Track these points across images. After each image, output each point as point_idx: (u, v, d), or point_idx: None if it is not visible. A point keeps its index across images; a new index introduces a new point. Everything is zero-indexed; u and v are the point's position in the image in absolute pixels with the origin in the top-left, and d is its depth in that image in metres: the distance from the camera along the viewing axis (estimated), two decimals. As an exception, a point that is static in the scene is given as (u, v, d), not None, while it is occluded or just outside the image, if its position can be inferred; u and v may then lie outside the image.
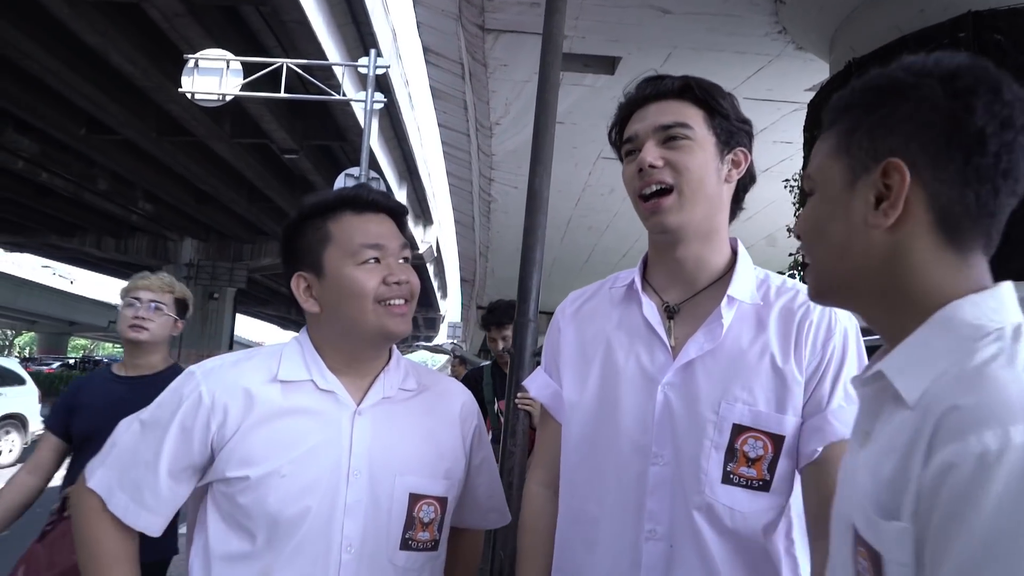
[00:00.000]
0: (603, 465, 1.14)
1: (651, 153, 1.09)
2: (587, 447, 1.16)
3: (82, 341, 66.82)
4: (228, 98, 10.62)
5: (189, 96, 10.78)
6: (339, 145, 20.65)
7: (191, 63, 10.73)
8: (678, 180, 1.09)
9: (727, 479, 1.05)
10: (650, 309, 1.15)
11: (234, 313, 31.61)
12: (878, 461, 0.65)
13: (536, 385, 1.29)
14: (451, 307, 64.87)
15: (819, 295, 0.80)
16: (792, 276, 6.94)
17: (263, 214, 25.82)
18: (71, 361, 31.51)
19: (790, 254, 6.77)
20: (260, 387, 1.12)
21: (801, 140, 7.41)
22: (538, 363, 1.38)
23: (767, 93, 9.40)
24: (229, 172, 22.05)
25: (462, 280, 35.10)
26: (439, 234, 35.52)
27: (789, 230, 6.80)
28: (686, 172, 1.09)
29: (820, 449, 1.03)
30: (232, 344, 32.14)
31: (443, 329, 64.18)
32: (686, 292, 1.16)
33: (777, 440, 1.05)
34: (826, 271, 0.75)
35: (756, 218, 15.22)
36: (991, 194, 0.67)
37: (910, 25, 5.36)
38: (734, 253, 1.19)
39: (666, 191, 1.10)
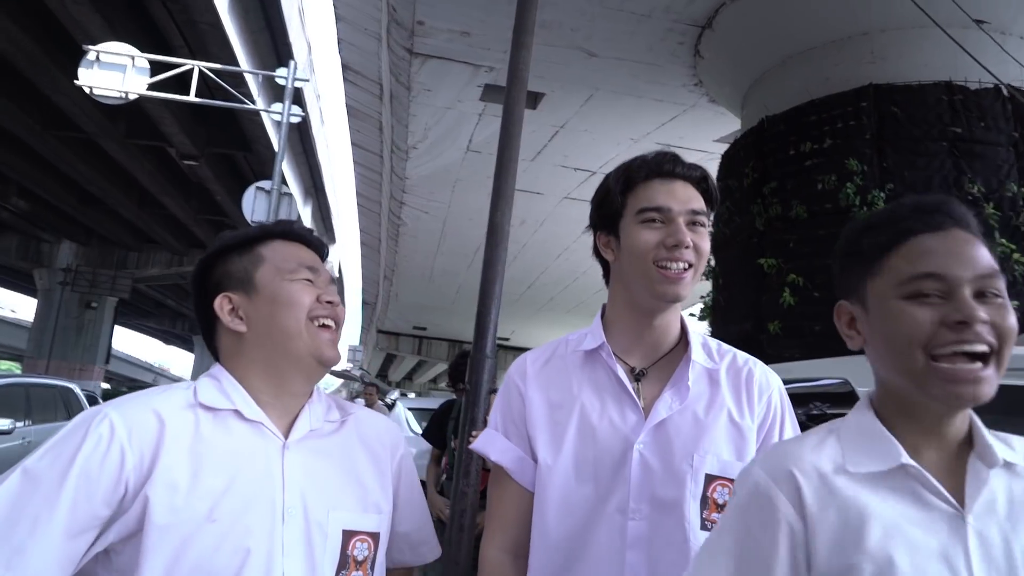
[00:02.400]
0: (582, 524, 1.17)
1: (688, 235, 1.18)
2: (566, 508, 1.19)
3: (-72, 346, 60.19)
4: (132, 97, 9.96)
5: (88, 91, 10.02)
6: (243, 155, 19.84)
7: (91, 55, 9.99)
8: (697, 261, 1.19)
9: (704, 526, 1.13)
10: (622, 373, 1.22)
11: (113, 324, 29.43)
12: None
13: (496, 449, 1.26)
14: (349, 330, 63.33)
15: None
16: (703, 318, 7.23)
17: (154, 221, 24.32)
18: None
19: (701, 297, 7.05)
20: (178, 415, 1.01)
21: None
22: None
23: (679, 140, 9.85)
24: (119, 174, 20.65)
25: (364, 303, 34.37)
26: (342, 254, 34.73)
27: (704, 275, 7.06)
28: (703, 255, 1.20)
29: None
30: (109, 357, 29.84)
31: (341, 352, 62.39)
32: (651, 357, 1.25)
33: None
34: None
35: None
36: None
37: (817, 90, 5.77)
38: (683, 324, 1.29)
39: (688, 269, 1.19)
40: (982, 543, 0.78)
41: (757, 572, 0.81)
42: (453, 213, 14.33)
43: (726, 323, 6.19)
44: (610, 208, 1.26)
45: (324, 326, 1.10)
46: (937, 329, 0.79)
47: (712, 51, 7.12)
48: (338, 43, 10.84)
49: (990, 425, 0.87)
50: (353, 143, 14.23)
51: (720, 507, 1.15)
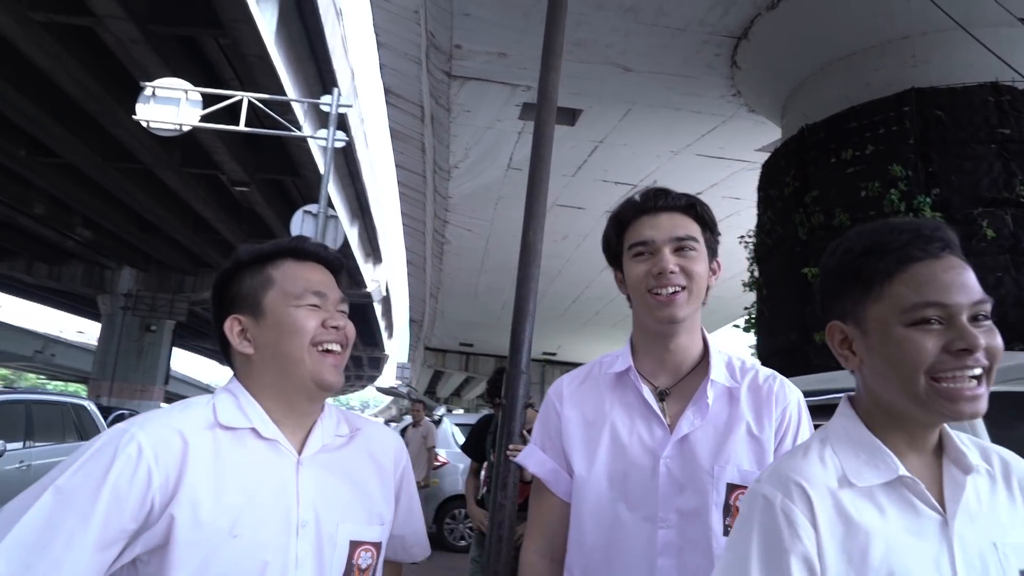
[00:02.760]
0: (615, 531, 1.27)
1: (670, 261, 1.28)
2: (599, 516, 1.29)
3: (3, 371, 63.19)
4: (186, 128, 10.42)
5: (145, 124, 10.51)
6: (291, 180, 20.43)
7: (148, 91, 10.50)
8: (689, 283, 1.29)
9: (726, 532, 1.21)
10: (648, 393, 1.32)
11: (172, 347, 30.45)
12: (1009, 516, 0.87)
13: (534, 462, 1.39)
14: (397, 347, 64.01)
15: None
16: (747, 330, 7.15)
17: (208, 246, 25.17)
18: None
19: (745, 308, 6.97)
20: (200, 435, 1.07)
21: (750, 197, 7.70)
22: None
23: (719, 151, 9.78)
24: (175, 202, 21.50)
25: (411, 320, 34.78)
26: (389, 273, 35.26)
27: (744, 284, 7.02)
28: (696, 277, 1.29)
29: None
30: (168, 379, 30.85)
31: (388, 369, 63.20)
32: (673, 377, 1.35)
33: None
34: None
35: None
36: None
37: (858, 97, 5.69)
38: (704, 342, 1.38)
39: (679, 291, 1.28)
40: (963, 546, 0.85)
41: None
42: (496, 230, 14.47)
43: (772, 334, 6.11)
44: (612, 249, 1.39)
45: (328, 351, 1.14)
46: (940, 355, 0.83)
47: (749, 61, 7.08)
48: (380, 68, 11.13)
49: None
50: (397, 164, 14.52)
51: None
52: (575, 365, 1.46)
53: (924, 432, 0.89)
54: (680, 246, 1.29)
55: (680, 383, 1.34)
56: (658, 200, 1.33)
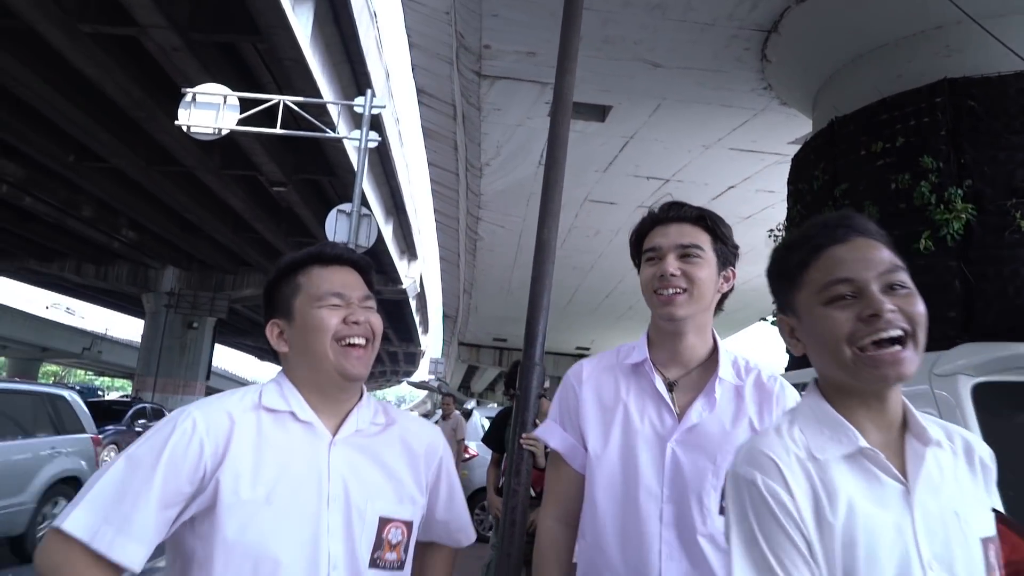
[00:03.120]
0: (625, 504, 1.42)
1: (672, 266, 1.43)
2: (611, 490, 1.44)
3: (53, 367, 65.46)
4: (224, 132, 10.74)
5: (185, 129, 10.88)
6: (328, 180, 20.81)
7: (188, 96, 10.85)
8: (690, 287, 1.42)
9: (722, 511, 1.34)
10: (660, 383, 1.46)
11: (213, 343, 31.25)
12: (968, 489, 0.97)
13: (556, 437, 1.54)
14: (432, 342, 64.63)
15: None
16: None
17: (247, 245, 25.78)
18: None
19: (773, 302, 6.92)
20: (245, 415, 1.22)
21: (784, 190, 7.65)
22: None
23: (751, 144, 9.72)
24: (215, 202, 22.09)
25: (444, 316, 35.12)
26: (423, 269, 35.62)
27: (773, 278, 6.97)
28: (697, 281, 1.43)
29: None
30: (210, 374, 31.67)
31: (423, 364, 63.80)
32: (682, 370, 1.49)
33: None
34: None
35: (738, 265, 15.56)
36: None
37: (889, 88, 5.63)
38: (714, 342, 1.52)
39: (679, 293, 1.42)
40: (924, 514, 0.92)
41: (789, 559, 0.88)
42: (528, 226, 14.55)
43: (801, 328, 6.09)
44: (634, 255, 1.55)
45: (351, 345, 1.26)
46: (855, 324, 0.93)
47: (779, 55, 7.04)
48: (412, 69, 11.30)
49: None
50: (429, 163, 14.71)
51: None
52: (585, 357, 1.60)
53: (881, 405, 0.97)
54: (685, 253, 1.44)
55: (688, 376, 1.48)
56: (670, 212, 1.50)
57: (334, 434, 1.27)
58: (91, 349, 45.92)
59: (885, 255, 0.97)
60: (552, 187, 2.24)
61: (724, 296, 1.51)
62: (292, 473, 1.20)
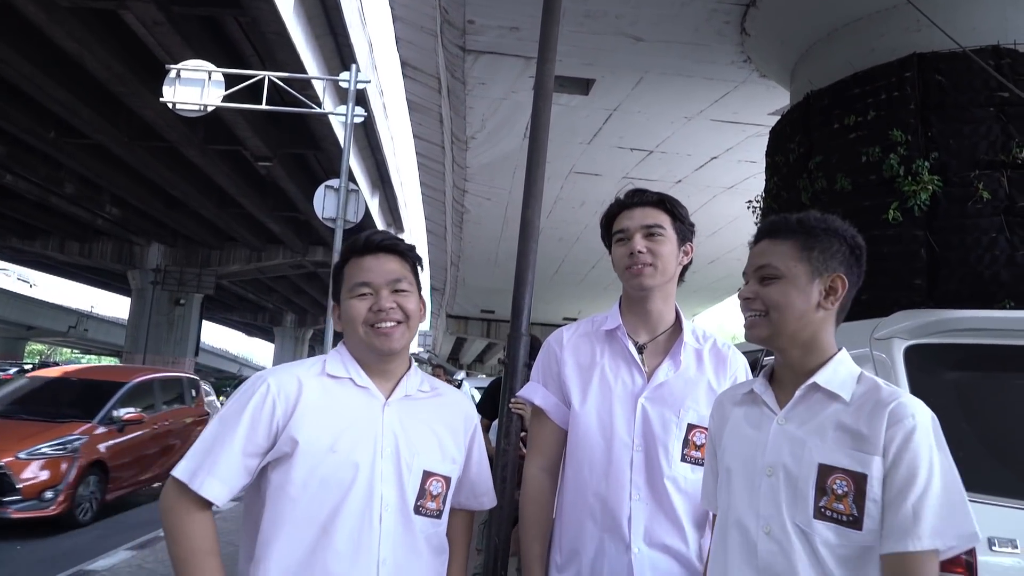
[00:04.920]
0: (601, 453, 1.64)
1: (640, 244, 1.65)
2: (589, 441, 1.65)
3: (39, 346, 65.10)
4: (210, 109, 10.74)
5: (170, 106, 10.86)
6: (313, 154, 20.75)
7: (173, 73, 10.81)
8: (655, 261, 1.65)
9: (683, 459, 1.62)
10: (631, 347, 1.68)
11: (201, 319, 31.25)
12: (837, 430, 1.18)
13: (539, 395, 1.75)
14: (420, 315, 64.50)
15: (766, 340, 1.29)
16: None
17: (233, 220, 25.70)
18: (27, 366, 30.44)
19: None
20: (312, 380, 1.47)
21: (763, 161, 7.84)
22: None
23: (733, 116, 9.88)
24: (200, 178, 21.97)
25: (432, 288, 35.25)
26: (410, 242, 35.58)
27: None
28: (661, 256, 1.65)
29: None
30: (199, 351, 31.71)
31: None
32: (650, 334, 1.71)
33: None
34: (783, 327, 1.26)
35: (720, 233, 15.77)
36: (853, 299, 1.30)
37: (862, 62, 5.80)
38: (677, 312, 1.75)
39: (646, 267, 1.65)
40: (782, 434, 1.26)
41: (710, 457, 1.46)
42: (514, 199, 14.66)
43: (778, 296, 6.32)
44: (605, 239, 1.78)
45: (380, 328, 1.48)
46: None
47: (758, 28, 7.17)
48: (396, 41, 11.29)
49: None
50: (415, 135, 14.73)
51: (698, 447, 1.63)
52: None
53: (784, 368, 1.33)
54: (649, 232, 1.66)
55: (655, 340, 1.70)
56: (634, 198, 1.72)
57: (387, 397, 1.50)
58: (77, 327, 45.73)
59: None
60: (535, 167, 2.41)
61: (685, 268, 1.74)
62: (352, 428, 1.44)
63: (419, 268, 1.60)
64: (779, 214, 1.38)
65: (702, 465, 1.61)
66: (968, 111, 5.15)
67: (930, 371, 1.59)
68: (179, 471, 1.37)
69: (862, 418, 1.17)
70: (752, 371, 1.74)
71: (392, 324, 1.47)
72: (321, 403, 1.44)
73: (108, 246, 29.75)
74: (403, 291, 1.51)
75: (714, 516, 1.42)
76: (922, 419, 1.13)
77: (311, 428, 1.41)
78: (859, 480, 1.12)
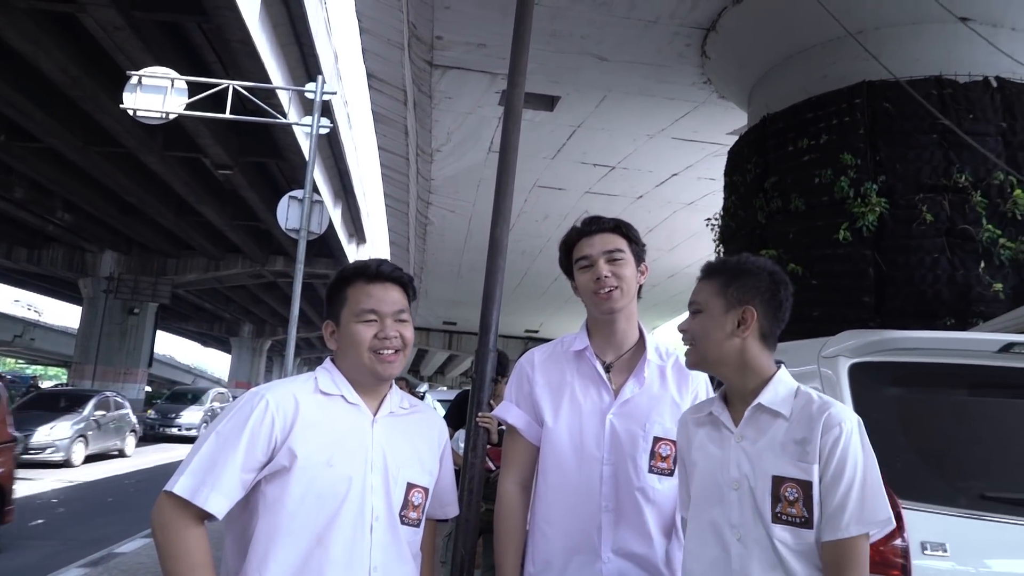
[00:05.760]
0: (572, 468, 1.72)
1: (604, 269, 1.74)
2: (560, 457, 1.73)
3: (-19, 356, 62.60)
4: (171, 117, 10.59)
5: (131, 113, 10.67)
6: (275, 163, 20.52)
7: (134, 79, 10.64)
8: (620, 283, 1.73)
9: (650, 470, 1.70)
10: (599, 366, 1.77)
11: (155, 329, 30.51)
12: (783, 443, 1.35)
13: (512, 415, 1.82)
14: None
15: (696, 366, 1.52)
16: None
17: (191, 228, 25.19)
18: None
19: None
20: (307, 397, 1.53)
21: (722, 179, 8.08)
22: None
23: (693, 134, 10.16)
24: (158, 185, 21.50)
25: (394, 300, 34.95)
26: (372, 253, 35.42)
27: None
28: (625, 278, 1.74)
29: None
30: (152, 361, 30.94)
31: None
32: (616, 353, 1.80)
33: (676, 444, 1.72)
34: (706, 355, 1.47)
35: (680, 248, 16.10)
36: (779, 325, 1.47)
37: (815, 88, 6.07)
38: (640, 330, 1.84)
39: (613, 290, 1.73)
40: (740, 451, 1.42)
41: (681, 471, 1.60)
42: (478, 211, 14.76)
43: (735, 312, 6.52)
44: (565, 265, 1.85)
45: (383, 354, 1.56)
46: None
47: (717, 52, 7.43)
48: (363, 53, 11.31)
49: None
50: (380, 147, 14.72)
51: (664, 458, 1.72)
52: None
53: (733, 392, 1.48)
54: (611, 257, 1.75)
55: (621, 359, 1.80)
56: (592, 225, 1.80)
57: (374, 413, 1.58)
58: (23, 336, 44.16)
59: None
60: (504, 186, 2.48)
61: (641, 287, 1.83)
62: (345, 443, 1.51)
63: (415, 299, 1.70)
64: (719, 257, 1.60)
65: (668, 475, 1.71)
66: (913, 137, 5.43)
67: (872, 387, 1.71)
68: (179, 488, 1.39)
69: (801, 430, 1.35)
70: (712, 384, 1.84)
71: (393, 351, 1.57)
72: (317, 419, 1.50)
73: (59, 253, 28.84)
74: (404, 320, 1.60)
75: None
76: (848, 426, 1.32)
77: (309, 443, 1.46)
78: (806, 487, 1.30)
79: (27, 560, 6.20)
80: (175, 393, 23.29)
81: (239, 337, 49.83)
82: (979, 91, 5.47)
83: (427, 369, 49.14)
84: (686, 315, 1.52)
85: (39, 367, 66.28)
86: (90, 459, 13.54)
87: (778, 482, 1.32)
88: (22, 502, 7.19)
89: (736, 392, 1.46)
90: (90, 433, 13.54)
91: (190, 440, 18.37)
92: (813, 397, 1.39)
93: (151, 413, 20.86)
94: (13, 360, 63.32)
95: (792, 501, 1.31)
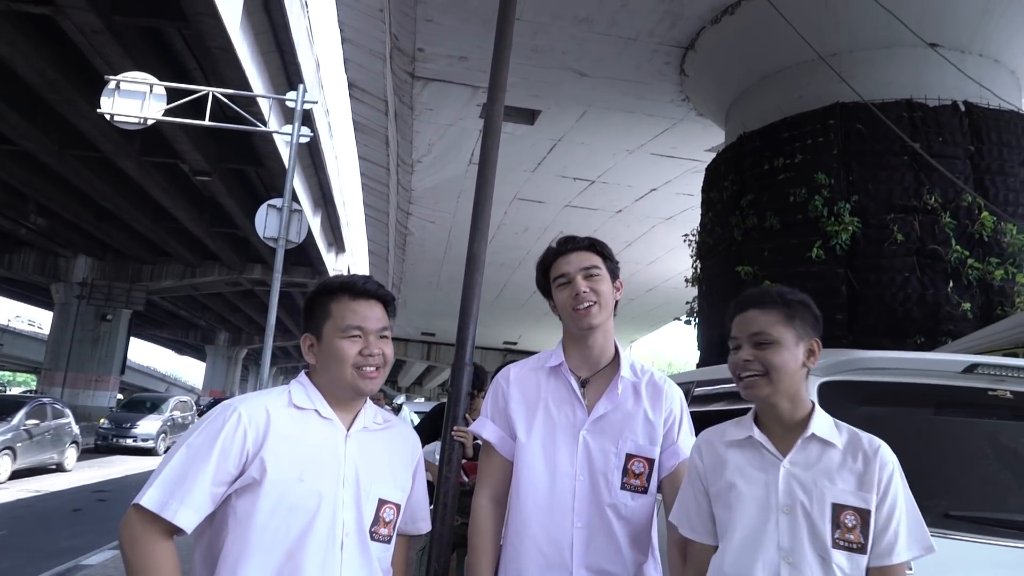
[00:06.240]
0: (546, 484, 1.72)
1: (582, 285, 1.76)
2: (534, 472, 1.74)
3: (-53, 361, 61.09)
4: (150, 122, 10.49)
5: (109, 118, 10.55)
6: (255, 170, 20.39)
7: (112, 84, 10.53)
8: (598, 299, 1.76)
9: (623, 487, 1.71)
10: (574, 382, 1.78)
11: (129, 336, 30.03)
12: (839, 472, 1.43)
13: (487, 430, 1.83)
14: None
15: (766, 398, 1.50)
16: (688, 322, 7.64)
17: (168, 235, 24.91)
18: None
19: (687, 302, 7.45)
20: (280, 411, 1.52)
21: (700, 196, 8.18)
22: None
23: (671, 151, 10.28)
24: (134, 190, 21.25)
25: (373, 309, 34.77)
26: (351, 263, 35.24)
27: (687, 280, 7.50)
28: (602, 294, 1.77)
29: (675, 464, 1.74)
30: (124, 368, 30.43)
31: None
32: (591, 370, 1.81)
33: (651, 461, 1.74)
34: (779, 385, 1.48)
35: (658, 263, 16.25)
36: None
37: (791, 108, 6.18)
38: (615, 347, 1.85)
39: (592, 305, 1.75)
40: (791, 477, 1.45)
41: (698, 490, 1.57)
42: (458, 223, 14.77)
43: (709, 325, 6.60)
44: (542, 285, 1.86)
45: (366, 371, 1.55)
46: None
47: (696, 70, 7.54)
48: (344, 63, 11.31)
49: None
50: (360, 156, 14.69)
51: (636, 475, 1.72)
52: (534, 353, 1.94)
53: (767, 413, 1.52)
54: (588, 274, 1.77)
55: (596, 375, 1.81)
56: (568, 244, 1.83)
57: (348, 428, 1.57)
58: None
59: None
60: (481, 204, 2.50)
61: (616, 302, 1.85)
62: (317, 458, 1.50)
63: (394, 316, 1.70)
64: (760, 287, 1.61)
65: (642, 493, 1.72)
66: (884, 158, 5.55)
67: (841, 406, 1.76)
68: (147, 501, 1.37)
69: (858, 463, 1.44)
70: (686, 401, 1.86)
71: (376, 368, 1.57)
72: (289, 433, 1.49)
73: (31, 257, 28.34)
74: (385, 338, 1.61)
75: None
76: (894, 460, 1.44)
77: (280, 457, 1.46)
78: (864, 515, 1.40)
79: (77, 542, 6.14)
80: (132, 400, 20.93)
81: (215, 345, 49.24)
82: (948, 115, 5.60)
83: (405, 380, 48.87)
84: (664, 330, 1.54)
85: (6, 373, 64.89)
86: (19, 475, 11.88)
87: (838, 509, 1.40)
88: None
89: (779, 420, 1.50)
90: (19, 445, 11.80)
91: (146, 452, 17.35)
92: (855, 430, 1.49)
93: (104, 422, 18.99)
94: (-17, 367, 61.93)
95: (851, 528, 1.39)
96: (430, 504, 1.89)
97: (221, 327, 47.29)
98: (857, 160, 5.64)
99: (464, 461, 2.75)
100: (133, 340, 35.37)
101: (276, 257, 9.93)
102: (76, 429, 14.19)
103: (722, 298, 6.32)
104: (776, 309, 1.49)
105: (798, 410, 1.48)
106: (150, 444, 17.44)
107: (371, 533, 1.54)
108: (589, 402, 1.76)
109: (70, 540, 7.04)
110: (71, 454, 13.81)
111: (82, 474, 13.18)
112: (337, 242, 30.77)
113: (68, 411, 14.26)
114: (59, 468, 13.33)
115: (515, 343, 28.78)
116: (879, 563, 1.39)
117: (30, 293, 37.77)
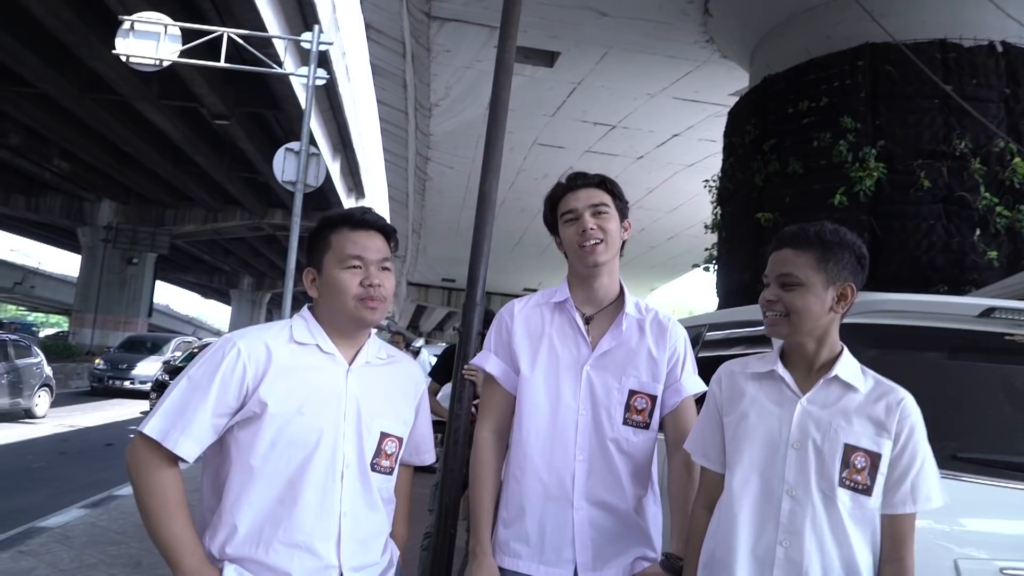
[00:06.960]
0: (548, 418, 1.74)
1: (590, 222, 1.74)
2: (537, 406, 1.76)
3: (-19, 302, 62.76)
4: (165, 64, 10.41)
5: (124, 59, 10.49)
6: (273, 114, 20.28)
7: (127, 25, 10.42)
8: (605, 236, 1.74)
9: (625, 422, 1.74)
10: (578, 318, 1.78)
11: (155, 279, 30.55)
12: (857, 415, 1.44)
13: (491, 363, 1.84)
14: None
15: (786, 338, 1.51)
16: (707, 269, 7.58)
17: (189, 179, 25.04)
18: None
19: (705, 248, 7.37)
20: (281, 347, 1.54)
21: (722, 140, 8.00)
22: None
23: (694, 95, 10.01)
24: (154, 134, 21.30)
25: (394, 256, 34.96)
26: (371, 208, 35.24)
27: (706, 226, 7.40)
28: (610, 232, 1.75)
29: (678, 402, 1.77)
30: (152, 311, 31.04)
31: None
32: (596, 308, 1.81)
33: (653, 398, 1.76)
34: (800, 328, 1.48)
35: (680, 210, 16.02)
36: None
37: (818, 49, 5.96)
38: (620, 285, 1.85)
39: (599, 243, 1.73)
40: (807, 414, 1.47)
41: (713, 419, 1.60)
42: (477, 168, 14.34)
43: (728, 273, 6.54)
44: (549, 220, 1.86)
45: (369, 302, 1.56)
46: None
47: (720, 9, 7.27)
48: (360, 2, 11.08)
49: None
50: (378, 100, 14.51)
51: (639, 411, 1.75)
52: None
53: (801, 357, 1.52)
54: (596, 211, 1.75)
55: (601, 312, 1.80)
56: (578, 180, 1.81)
57: (350, 363, 1.59)
58: (23, 284, 44.23)
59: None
60: (494, 141, 2.47)
61: (624, 243, 1.84)
62: (318, 392, 1.53)
63: (396, 250, 1.70)
64: (798, 224, 1.56)
65: (643, 428, 1.74)
66: (914, 102, 5.36)
67: (853, 348, 1.74)
68: (150, 429, 1.43)
69: (879, 409, 1.46)
70: (693, 345, 1.84)
71: (378, 299, 1.58)
72: (289, 368, 1.51)
73: (56, 201, 28.72)
74: (387, 269, 1.60)
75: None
76: (918, 414, 1.46)
77: (280, 392, 1.48)
78: (875, 458, 1.43)
79: (31, 499, 6.31)
80: (131, 340, 19.26)
81: (239, 289, 49.95)
82: (983, 56, 5.37)
83: (426, 325, 49.38)
84: (685, 278, 1.52)
85: (40, 315, 66.59)
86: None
87: (850, 450, 1.43)
88: None
89: (805, 359, 1.51)
90: None
91: (143, 396, 15.53)
92: (883, 379, 1.50)
93: (99, 363, 17.61)
94: (15, 307, 63.54)
95: (860, 469, 1.43)
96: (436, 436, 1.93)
97: (244, 271, 47.87)
98: (885, 103, 5.45)
99: (476, 401, 2.80)
100: (159, 284, 35.98)
101: (295, 201, 9.95)
102: (48, 370, 12.54)
103: (741, 245, 6.24)
104: (810, 251, 1.47)
105: (824, 352, 1.49)
106: (148, 387, 15.38)
107: (372, 465, 1.57)
108: (593, 338, 1.77)
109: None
110: (43, 400, 12.18)
111: (53, 423, 11.66)
112: (357, 187, 30.73)
113: (37, 349, 12.68)
114: (28, 415, 11.71)
115: (535, 289, 28.68)
116: (892, 511, 1.43)
117: (58, 236, 38.38)
